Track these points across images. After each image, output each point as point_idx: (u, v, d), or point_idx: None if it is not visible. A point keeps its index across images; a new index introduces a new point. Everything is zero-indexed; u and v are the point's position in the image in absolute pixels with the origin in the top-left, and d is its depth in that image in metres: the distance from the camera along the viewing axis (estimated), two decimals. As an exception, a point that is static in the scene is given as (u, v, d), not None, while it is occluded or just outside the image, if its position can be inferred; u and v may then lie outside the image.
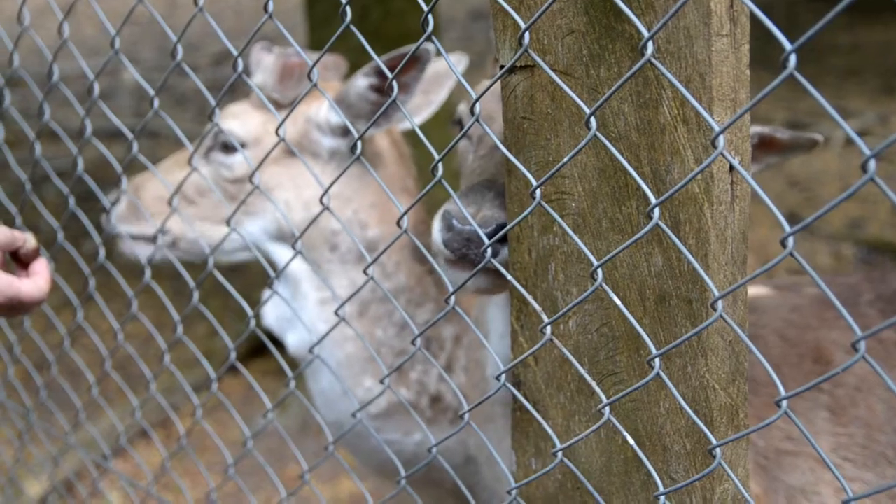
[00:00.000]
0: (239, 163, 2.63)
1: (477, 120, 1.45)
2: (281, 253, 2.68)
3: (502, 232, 1.51)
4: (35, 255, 2.06)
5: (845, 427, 2.18)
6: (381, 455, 2.64)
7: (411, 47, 2.31)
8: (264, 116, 2.66)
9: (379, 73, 2.48)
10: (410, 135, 2.90)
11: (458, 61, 2.70)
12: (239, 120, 2.66)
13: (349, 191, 2.62)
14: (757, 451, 2.16)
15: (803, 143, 2.13)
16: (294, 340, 2.68)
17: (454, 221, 1.75)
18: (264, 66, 2.64)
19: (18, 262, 2.07)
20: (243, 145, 2.61)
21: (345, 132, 2.62)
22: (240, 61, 1.87)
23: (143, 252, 2.72)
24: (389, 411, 2.65)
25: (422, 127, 1.72)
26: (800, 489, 2.14)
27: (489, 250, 1.53)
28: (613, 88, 1.26)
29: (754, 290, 2.56)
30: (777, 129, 2.12)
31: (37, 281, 1.99)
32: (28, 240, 2.03)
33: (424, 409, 2.64)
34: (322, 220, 2.54)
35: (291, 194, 2.61)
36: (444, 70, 2.72)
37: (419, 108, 2.69)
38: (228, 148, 2.64)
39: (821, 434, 2.18)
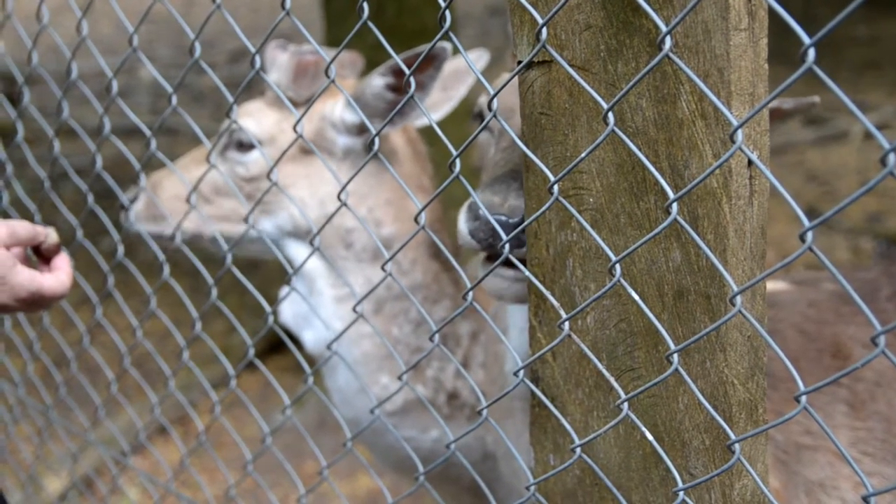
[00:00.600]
0: (254, 161, 2.64)
1: (494, 116, 1.45)
2: (296, 250, 2.68)
3: (520, 227, 1.51)
4: (57, 250, 2.07)
5: (864, 421, 2.18)
6: (399, 452, 2.64)
7: (428, 46, 2.31)
8: (279, 115, 2.67)
9: (395, 73, 2.48)
10: (427, 132, 2.90)
11: (479, 58, 2.70)
12: (254, 118, 2.66)
13: (365, 188, 2.62)
14: (776, 445, 2.16)
15: (804, 108, 2.14)
16: (311, 338, 2.69)
17: (481, 211, 1.74)
18: (279, 64, 2.64)
19: (40, 256, 2.08)
20: (258, 143, 2.62)
21: (360, 130, 2.62)
22: (257, 58, 1.87)
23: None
24: (406, 408, 2.65)
25: (439, 123, 1.72)
26: (819, 483, 2.13)
27: (509, 242, 1.52)
28: (631, 83, 1.26)
29: (772, 285, 2.55)
30: (784, 101, 2.12)
31: (58, 276, 2.01)
32: (50, 235, 2.05)
33: (441, 405, 2.65)
34: (336, 219, 2.55)
35: (306, 192, 2.61)
36: (463, 67, 2.72)
37: (438, 104, 2.69)
38: (244, 146, 2.64)
39: (839, 428, 2.17)
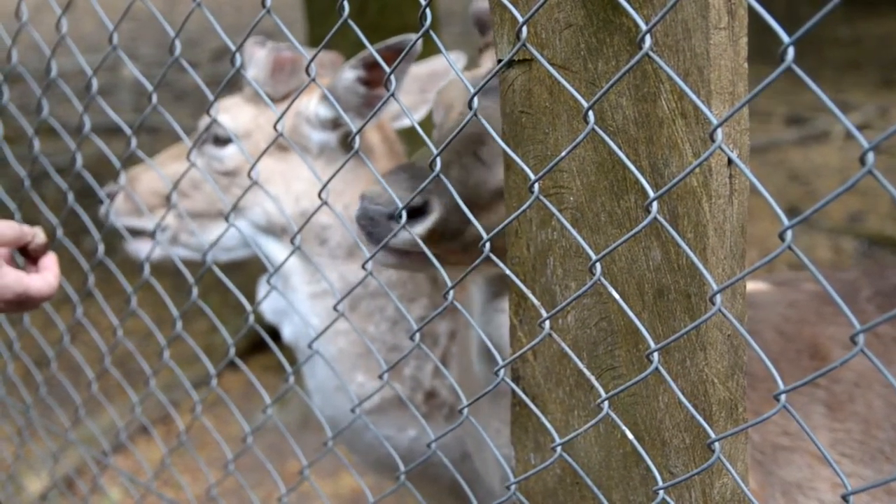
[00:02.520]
0: (229, 156, 2.64)
1: (475, 115, 1.45)
2: (271, 247, 2.67)
3: (501, 226, 1.51)
4: (44, 250, 2.07)
5: (843, 423, 2.18)
6: (378, 451, 2.63)
7: (401, 38, 2.31)
8: (256, 110, 2.67)
9: (366, 66, 2.48)
10: (404, 131, 2.90)
11: (457, 59, 2.70)
12: (230, 114, 2.66)
13: (340, 185, 2.61)
14: (753, 445, 2.16)
15: None
16: (289, 332, 2.69)
17: (365, 201, 1.87)
18: (256, 60, 2.64)
19: (27, 257, 2.07)
20: (235, 138, 2.62)
21: (334, 126, 2.62)
22: (237, 56, 1.87)
23: (145, 249, 2.72)
24: (383, 407, 2.65)
25: (420, 123, 1.73)
26: (796, 484, 2.13)
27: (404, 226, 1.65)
28: (611, 82, 1.25)
29: (752, 286, 2.55)
30: None
31: (46, 276, 2.00)
32: (37, 235, 2.04)
33: (419, 404, 2.64)
34: (308, 215, 2.54)
35: (281, 188, 2.60)
36: (441, 68, 2.73)
37: (416, 105, 2.69)
38: (219, 141, 2.64)
39: (818, 429, 2.17)
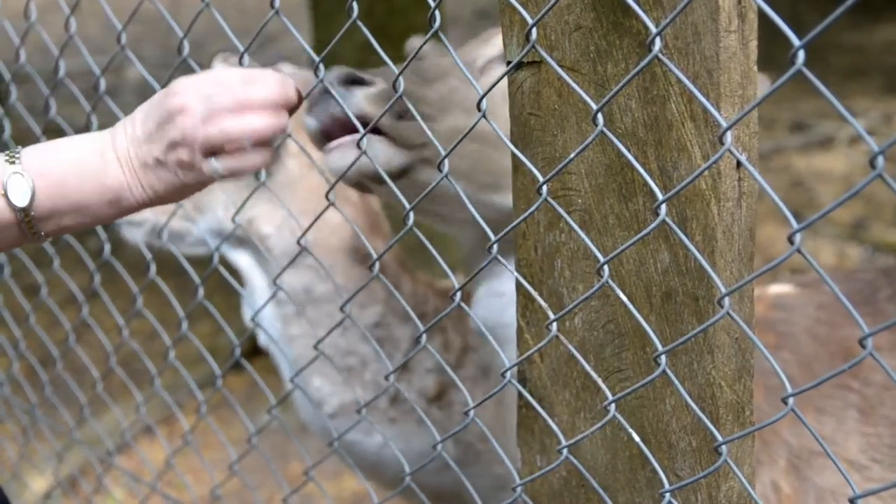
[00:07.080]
0: None
1: (483, 116, 1.45)
2: (232, 254, 2.65)
3: (509, 228, 1.51)
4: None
5: (874, 427, 2.14)
6: (353, 454, 2.60)
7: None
8: None
9: None
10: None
11: None
12: None
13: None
14: (790, 450, 2.13)
15: None
16: (263, 337, 2.67)
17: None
18: None
19: None
20: None
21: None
22: (245, 58, 1.87)
23: (137, 237, 2.70)
24: (343, 411, 2.59)
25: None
26: (830, 491, 2.10)
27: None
28: (621, 84, 1.26)
29: (778, 288, 2.50)
30: None
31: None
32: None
33: (385, 409, 2.59)
34: (253, 224, 2.52)
35: (235, 197, 2.56)
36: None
37: None
38: None
39: (851, 434, 2.13)
